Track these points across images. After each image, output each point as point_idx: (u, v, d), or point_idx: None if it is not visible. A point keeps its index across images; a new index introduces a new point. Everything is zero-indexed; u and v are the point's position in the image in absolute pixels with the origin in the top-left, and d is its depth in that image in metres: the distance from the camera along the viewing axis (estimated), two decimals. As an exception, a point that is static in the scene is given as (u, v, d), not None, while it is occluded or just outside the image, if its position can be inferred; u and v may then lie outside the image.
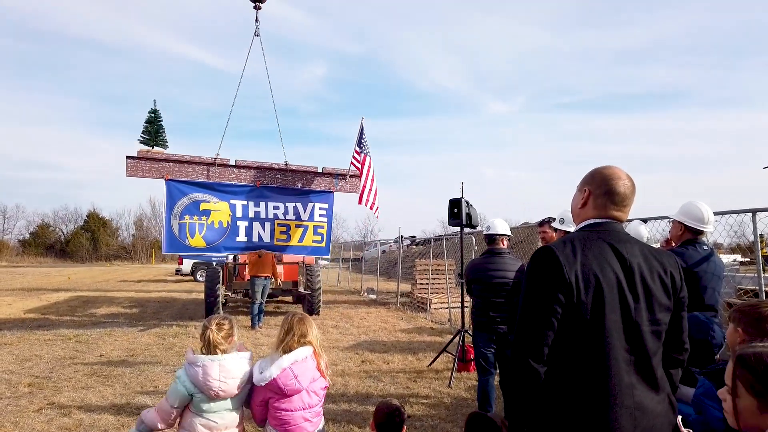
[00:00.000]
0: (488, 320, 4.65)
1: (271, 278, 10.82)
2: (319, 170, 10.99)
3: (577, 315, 1.63)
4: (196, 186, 9.79)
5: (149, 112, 10.10)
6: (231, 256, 13.02)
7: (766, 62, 77.90)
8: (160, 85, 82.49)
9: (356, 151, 10.78)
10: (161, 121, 10.10)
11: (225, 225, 9.86)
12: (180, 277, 25.31)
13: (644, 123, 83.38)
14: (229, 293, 12.05)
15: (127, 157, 9.59)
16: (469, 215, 6.99)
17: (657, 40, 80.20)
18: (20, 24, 71.26)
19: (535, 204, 78.57)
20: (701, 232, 3.39)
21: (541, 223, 4.97)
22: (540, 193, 78.91)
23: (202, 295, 13.63)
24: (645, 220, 5.15)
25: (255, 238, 10.12)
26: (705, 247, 3.34)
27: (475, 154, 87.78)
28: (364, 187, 10.47)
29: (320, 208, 10.64)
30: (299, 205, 10.48)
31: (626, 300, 1.67)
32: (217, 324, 2.89)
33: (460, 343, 6.90)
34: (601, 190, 1.84)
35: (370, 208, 10.69)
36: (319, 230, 10.66)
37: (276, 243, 10.28)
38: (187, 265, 24.88)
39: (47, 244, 55.61)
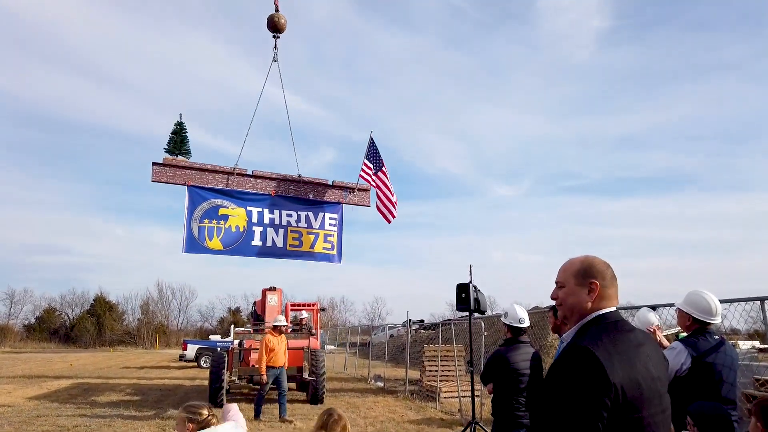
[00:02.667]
0: (514, 412, 4.51)
1: (283, 368, 10.21)
2: (330, 183, 11.72)
3: (619, 415, 1.57)
4: (215, 192, 10.54)
5: (175, 124, 10.76)
6: (237, 341, 12.81)
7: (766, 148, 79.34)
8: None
9: (366, 165, 11.40)
10: (186, 132, 10.76)
11: (242, 229, 10.54)
12: (183, 363, 24.76)
13: (648, 206, 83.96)
14: (234, 379, 11.75)
15: (154, 164, 10.24)
16: (477, 300, 6.93)
17: (656, 127, 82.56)
18: (31, 113, 74.33)
19: (546, 287, 77.56)
20: (710, 323, 3.34)
21: (551, 308, 4.92)
22: (550, 276, 78.02)
23: (205, 382, 13.30)
24: (654, 307, 5.10)
25: (269, 243, 10.76)
26: (715, 337, 3.30)
27: (483, 236, 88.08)
28: (393, 202, 11.31)
29: (330, 218, 11.42)
30: (311, 214, 11.23)
31: (658, 391, 1.66)
32: (213, 412, 2.94)
33: (472, 435, 6.61)
34: (607, 281, 1.84)
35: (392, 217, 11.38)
36: (330, 238, 11.37)
37: (288, 248, 10.91)
38: (191, 350, 24.37)
39: (52, 328, 55.04)
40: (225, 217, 10.43)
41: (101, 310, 55.61)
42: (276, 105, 57.03)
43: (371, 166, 11.32)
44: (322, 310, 18.02)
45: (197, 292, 66.10)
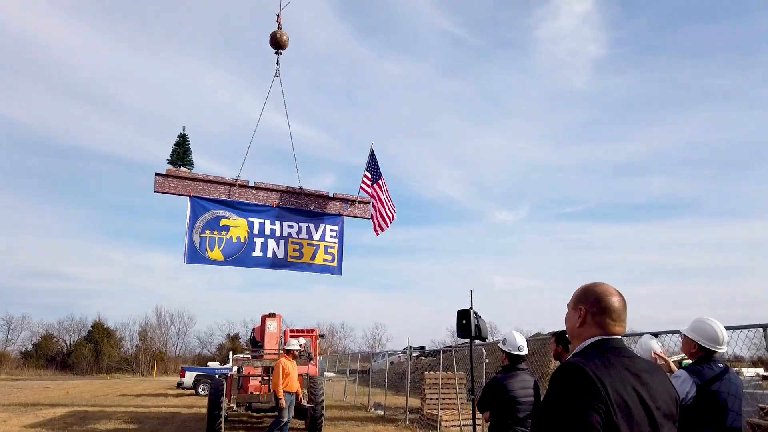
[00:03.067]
0: None
1: (295, 393, 9.52)
2: (330, 195, 11.86)
3: None
4: (217, 203, 10.62)
5: (178, 136, 10.84)
6: (236, 368, 12.62)
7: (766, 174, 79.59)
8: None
9: (365, 176, 11.56)
10: (189, 144, 10.83)
11: (243, 240, 10.60)
12: (181, 391, 24.43)
13: (648, 232, 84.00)
14: (233, 406, 11.57)
15: (156, 174, 10.30)
16: (478, 327, 6.86)
17: (655, 153, 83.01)
18: (31, 138, 74.93)
19: (547, 313, 77.15)
20: (715, 351, 3.32)
21: (553, 334, 4.87)
22: (551, 302, 77.82)
23: (203, 410, 13.10)
24: (656, 334, 5.06)
25: (270, 254, 10.84)
26: (720, 365, 3.26)
27: (483, 262, 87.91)
28: (384, 215, 11.32)
29: (331, 230, 11.53)
30: (311, 226, 11.32)
31: (654, 417, 1.64)
32: None
33: (474, 465, 6.48)
34: (597, 308, 1.84)
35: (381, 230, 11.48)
36: (330, 250, 11.46)
37: (289, 260, 10.97)
38: (189, 377, 24.04)
39: (49, 355, 54.45)
40: (226, 228, 10.51)
41: (99, 336, 55.09)
42: (277, 130, 57.54)
43: (370, 176, 11.46)
44: (321, 336, 17.86)
45: (196, 318, 65.67)
